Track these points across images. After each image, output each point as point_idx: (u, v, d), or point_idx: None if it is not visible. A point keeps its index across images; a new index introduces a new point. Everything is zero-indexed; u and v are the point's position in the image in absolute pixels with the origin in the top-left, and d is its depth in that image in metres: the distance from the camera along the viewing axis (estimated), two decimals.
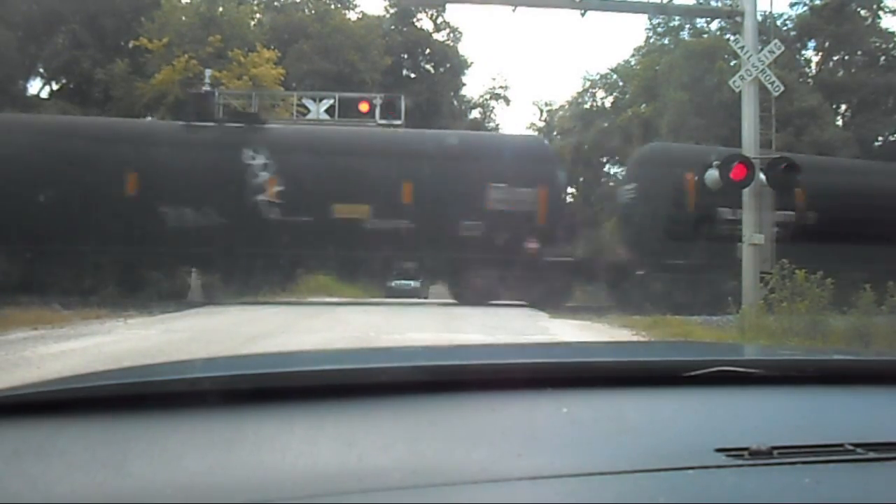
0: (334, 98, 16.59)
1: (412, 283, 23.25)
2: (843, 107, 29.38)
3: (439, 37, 30.98)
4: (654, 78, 28.32)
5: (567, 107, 38.54)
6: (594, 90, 36.25)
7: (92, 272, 14.31)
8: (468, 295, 14.35)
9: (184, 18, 21.59)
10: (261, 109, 17.51)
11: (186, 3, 22.87)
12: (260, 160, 13.94)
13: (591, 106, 36.16)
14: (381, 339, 8.03)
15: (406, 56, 29.73)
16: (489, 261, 14.28)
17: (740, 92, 11.54)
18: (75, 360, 6.40)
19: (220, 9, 22.30)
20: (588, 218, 23.56)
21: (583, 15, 11.97)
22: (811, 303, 8.50)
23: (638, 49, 33.39)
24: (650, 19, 29.50)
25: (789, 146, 17.94)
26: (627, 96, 32.28)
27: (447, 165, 14.40)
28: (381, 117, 16.09)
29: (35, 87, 23.69)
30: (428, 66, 30.50)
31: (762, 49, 11.44)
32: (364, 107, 16.19)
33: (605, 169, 33.26)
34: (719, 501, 0.81)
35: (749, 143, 11.37)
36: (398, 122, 16.16)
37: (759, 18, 12.58)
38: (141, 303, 12.11)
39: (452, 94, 31.45)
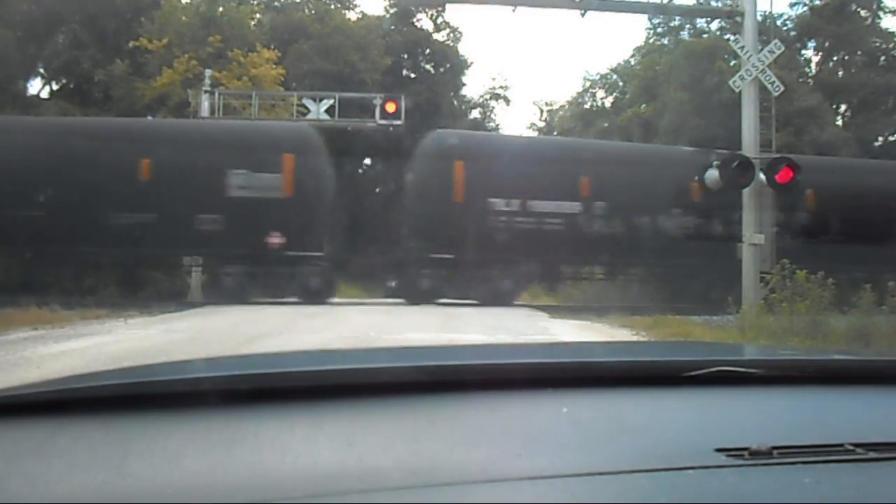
0: (334, 98, 16.61)
1: None
2: (843, 107, 29.35)
3: (439, 37, 30.90)
4: (654, 78, 28.28)
5: (567, 107, 38.53)
6: (594, 90, 36.24)
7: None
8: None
9: (184, 19, 21.56)
10: (261, 110, 17.53)
11: (186, 3, 22.84)
12: None
13: (591, 106, 36.14)
14: (381, 339, 8.02)
15: (406, 56, 29.64)
16: None
17: (740, 92, 11.54)
18: (75, 360, 6.39)
19: (220, 9, 22.28)
20: None
21: (583, 15, 12.00)
22: (812, 303, 8.50)
23: (638, 49, 33.37)
24: (650, 19, 29.49)
25: (789, 146, 17.93)
26: (627, 96, 32.24)
27: None
28: (381, 117, 16.13)
29: (35, 87, 23.69)
30: (428, 66, 30.42)
31: (762, 49, 11.44)
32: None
33: None
34: (719, 501, 0.81)
35: (749, 143, 11.37)
36: (398, 123, 16.19)
37: (759, 18, 12.62)
38: (141, 303, 12.11)
39: (452, 94, 31.34)
